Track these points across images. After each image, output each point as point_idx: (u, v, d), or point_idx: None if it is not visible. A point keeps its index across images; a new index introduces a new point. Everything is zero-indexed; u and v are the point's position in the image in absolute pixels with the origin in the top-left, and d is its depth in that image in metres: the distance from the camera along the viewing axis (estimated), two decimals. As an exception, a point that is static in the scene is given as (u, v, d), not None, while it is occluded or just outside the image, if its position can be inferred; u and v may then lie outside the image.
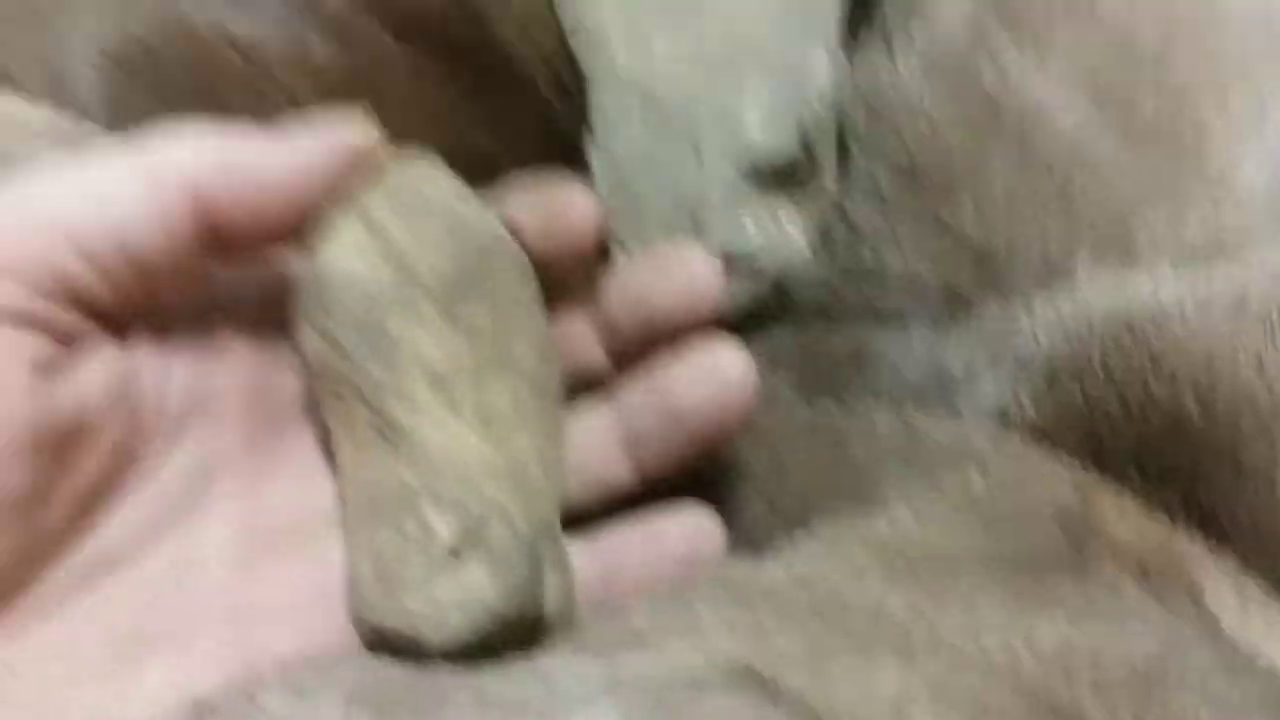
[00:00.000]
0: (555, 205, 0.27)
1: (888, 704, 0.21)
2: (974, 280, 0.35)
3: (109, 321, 0.23)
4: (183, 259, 0.23)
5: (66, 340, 0.22)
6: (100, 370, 0.23)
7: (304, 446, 0.26)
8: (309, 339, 0.25)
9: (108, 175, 0.22)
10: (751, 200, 0.36)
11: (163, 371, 0.24)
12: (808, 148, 0.35)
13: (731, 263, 0.35)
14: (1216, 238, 0.34)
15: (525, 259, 0.27)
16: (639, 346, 0.27)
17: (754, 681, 0.22)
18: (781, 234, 0.36)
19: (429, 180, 0.25)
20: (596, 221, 0.27)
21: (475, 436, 0.24)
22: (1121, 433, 0.29)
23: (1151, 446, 0.29)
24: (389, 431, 0.24)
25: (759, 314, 0.36)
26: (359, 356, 0.24)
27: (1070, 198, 0.35)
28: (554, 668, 0.23)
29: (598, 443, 0.27)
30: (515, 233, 0.27)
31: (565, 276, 0.28)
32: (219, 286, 0.25)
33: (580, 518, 0.28)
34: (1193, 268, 0.33)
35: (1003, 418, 0.31)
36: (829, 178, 0.36)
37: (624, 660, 0.23)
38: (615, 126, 0.36)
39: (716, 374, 0.26)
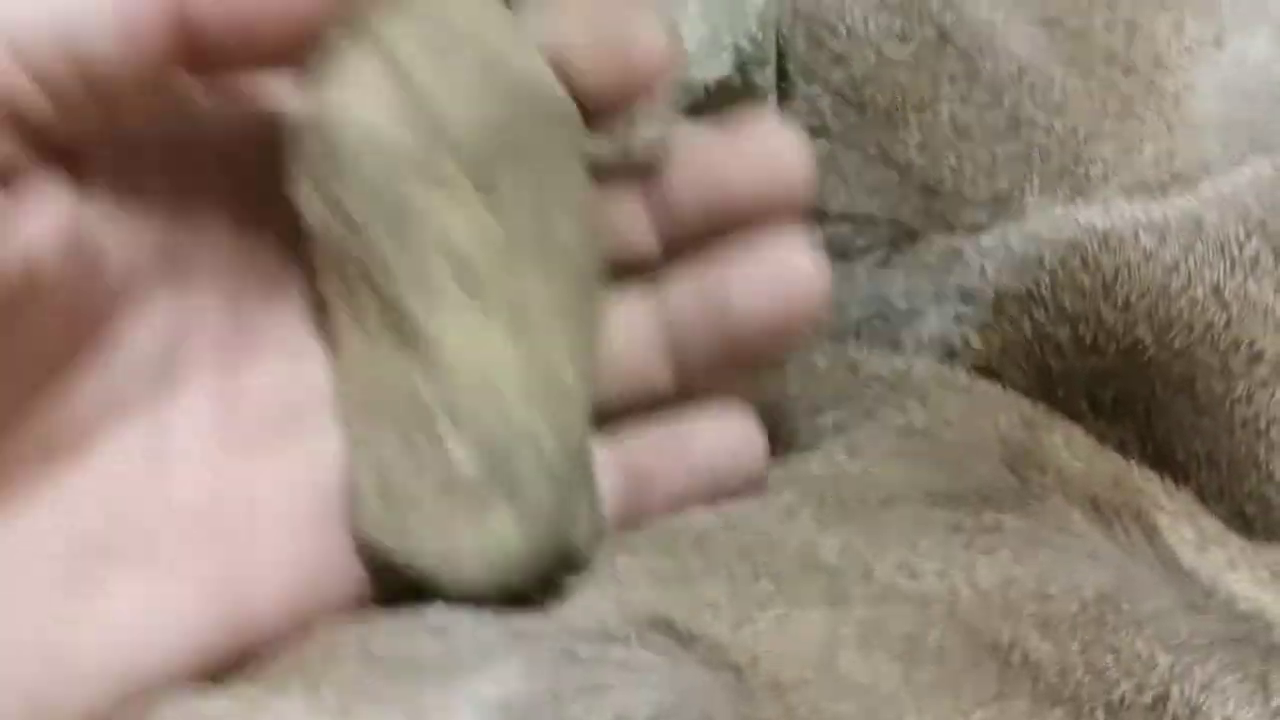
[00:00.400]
0: (613, 32, 0.21)
1: (815, 649, 0.19)
2: (919, 212, 0.33)
3: (59, 156, 0.18)
4: (151, 75, 0.18)
5: (3, 177, 0.18)
6: (49, 215, 0.18)
7: (294, 320, 0.22)
8: (310, 201, 0.20)
9: None
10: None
11: (127, 222, 0.20)
12: (745, 74, 0.33)
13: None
14: (1171, 167, 0.33)
15: (572, 109, 0.21)
16: (698, 232, 0.22)
17: (669, 633, 0.20)
18: (718, 166, 0.34)
19: (459, 3, 0.20)
20: (667, 57, 0.21)
21: (506, 340, 0.20)
22: (1072, 365, 0.27)
23: (1104, 379, 0.27)
24: (403, 327, 0.20)
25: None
26: (371, 232, 0.19)
27: (1020, 127, 0.34)
28: (452, 621, 0.21)
29: (637, 339, 0.23)
30: (560, 70, 0.21)
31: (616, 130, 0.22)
32: (198, 120, 0.21)
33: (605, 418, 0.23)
34: (1147, 197, 0.32)
35: (948, 353, 0.29)
36: (769, 109, 0.35)
37: (530, 612, 0.21)
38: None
39: (781, 274, 0.21)
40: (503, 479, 0.20)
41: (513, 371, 0.20)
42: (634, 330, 0.23)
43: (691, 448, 0.23)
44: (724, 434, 0.24)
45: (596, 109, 0.21)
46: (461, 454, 0.20)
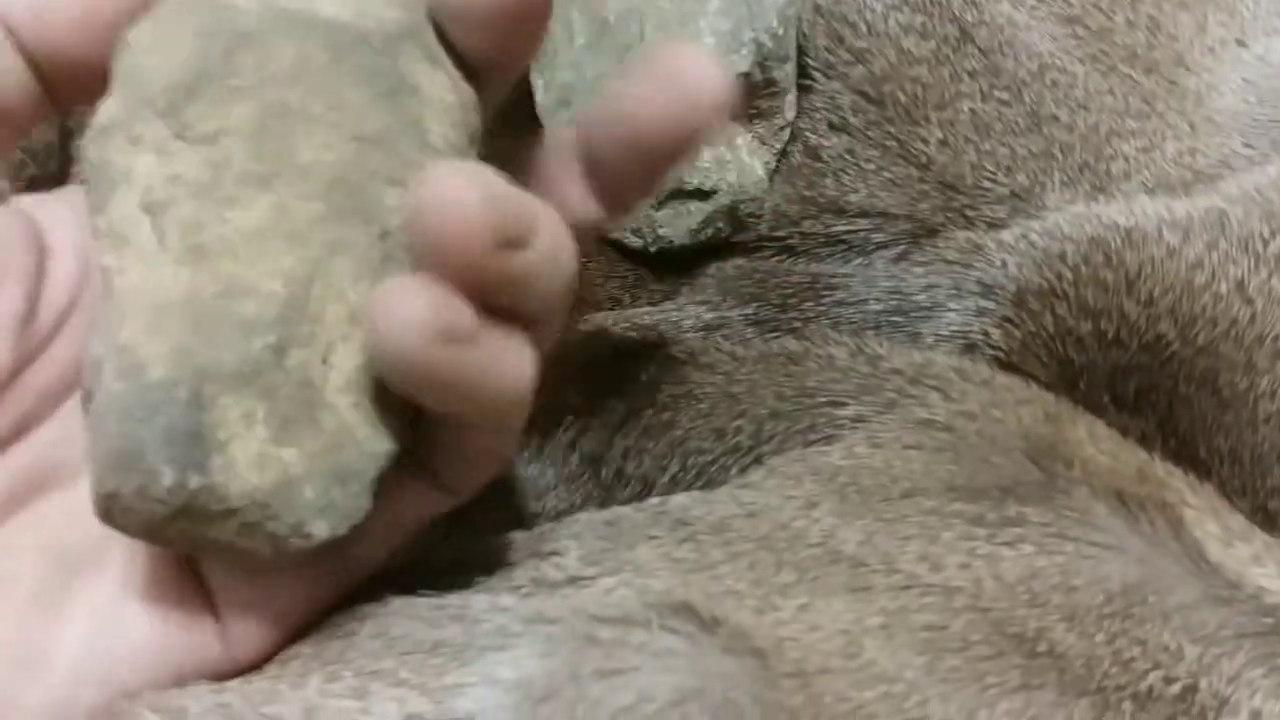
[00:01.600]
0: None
1: (839, 637, 0.19)
2: (939, 209, 0.33)
3: None
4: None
5: None
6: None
7: None
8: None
9: None
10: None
11: (75, 245, 0.21)
12: (765, 70, 0.33)
13: (684, 191, 0.34)
14: (1193, 165, 0.33)
15: (356, 32, 0.20)
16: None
17: (690, 617, 0.20)
18: (738, 161, 0.34)
19: None
20: (543, 15, 0.21)
21: (186, 270, 0.19)
22: (1095, 360, 0.27)
23: (1126, 374, 0.27)
24: (104, 280, 0.19)
25: (713, 243, 0.34)
26: (90, 204, 0.19)
27: (1041, 123, 0.33)
28: (473, 605, 0.21)
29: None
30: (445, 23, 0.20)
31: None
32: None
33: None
34: (1169, 194, 0.32)
35: (968, 348, 0.29)
36: (789, 104, 0.35)
37: (551, 598, 0.21)
38: (558, 45, 0.34)
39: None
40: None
41: (187, 302, 0.19)
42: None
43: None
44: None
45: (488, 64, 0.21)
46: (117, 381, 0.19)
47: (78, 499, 0.20)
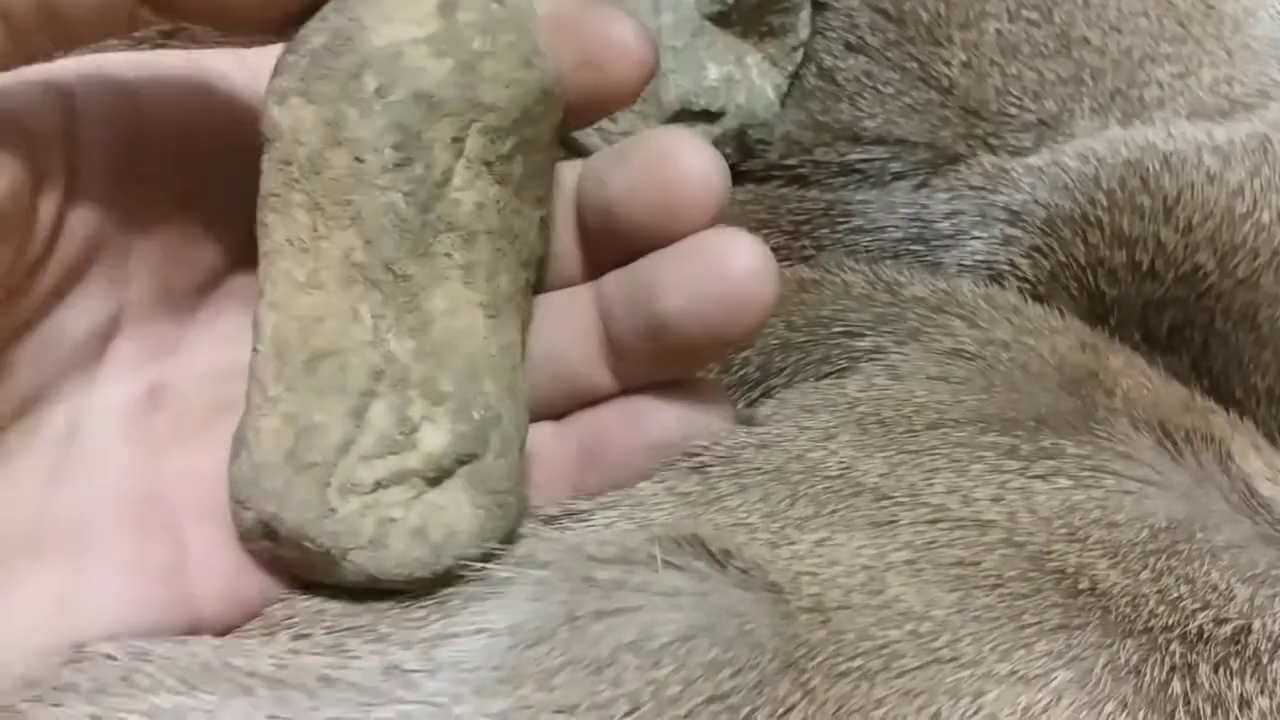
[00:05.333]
0: (594, 36, 0.19)
1: (861, 573, 0.18)
2: (960, 136, 0.31)
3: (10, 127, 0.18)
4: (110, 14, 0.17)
5: None
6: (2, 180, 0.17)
7: (229, 314, 0.21)
8: (289, 112, 0.18)
9: None
10: (714, 42, 0.32)
11: (76, 207, 0.19)
12: (779, -17, 0.31)
13: (690, 113, 0.32)
14: (1230, 93, 0.31)
15: (561, 108, 0.20)
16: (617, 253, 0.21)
17: (699, 551, 0.18)
18: (748, 82, 0.32)
19: None
20: (646, 64, 0.19)
21: (484, 318, 0.19)
22: (1128, 292, 0.26)
23: (1161, 307, 0.25)
24: (388, 285, 0.18)
25: (720, 169, 0.32)
26: (382, 175, 0.17)
27: (1071, 46, 0.32)
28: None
29: (574, 337, 0.21)
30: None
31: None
32: (147, 113, 0.20)
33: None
34: (1204, 123, 0.30)
35: (993, 277, 0.27)
36: (803, 21, 0.33)
37: (551, 537, 0.19)
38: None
39: (712, 272, 0.19)
40: (469, 458, 0.19)
41: (488, 356, 0.19)
42: (571, 329, 0.21)
43: (649, 422, 0.21)
44: (686, 409, 0.21)
45: (576, 113, 0.20)
46: (433, 430, 0.18)
47: (15, 469, 0.19)
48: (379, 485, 0.18)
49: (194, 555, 0.19)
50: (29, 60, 0.17)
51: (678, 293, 0.19)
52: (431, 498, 0.18)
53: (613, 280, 0.20)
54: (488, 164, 0.18)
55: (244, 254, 0.21)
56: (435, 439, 0.18)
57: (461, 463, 0.18)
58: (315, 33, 0.18)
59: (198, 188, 0.20)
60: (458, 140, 0.18)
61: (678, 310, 0.19)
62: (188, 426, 0.20)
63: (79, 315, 0.19)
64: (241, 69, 0.21)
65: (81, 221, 0.19)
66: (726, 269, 0.19)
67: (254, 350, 0.18)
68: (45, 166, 0.18)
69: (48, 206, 0.18)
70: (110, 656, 0.17)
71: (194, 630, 0.18)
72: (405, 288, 0.18)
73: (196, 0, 0.17)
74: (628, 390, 0.21)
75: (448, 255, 0.18)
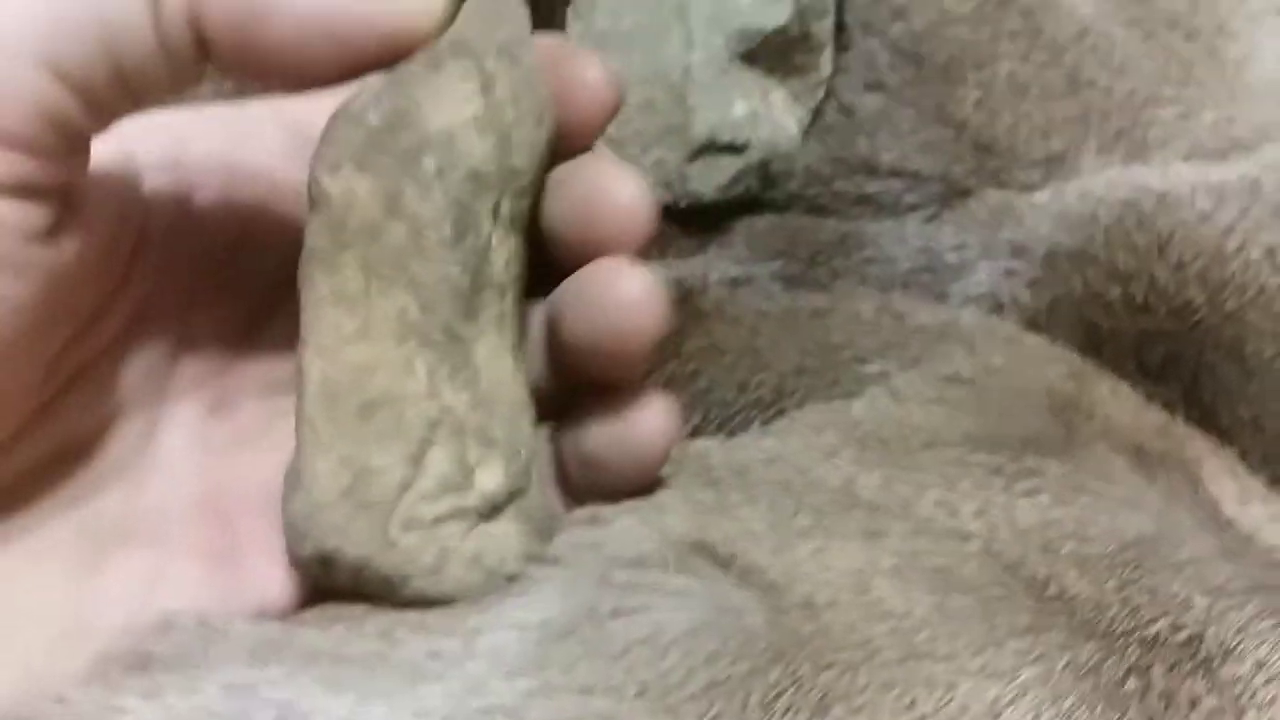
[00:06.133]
0: (566, 78, 0.21)
1: (851, 576, 0.19)
2: (972, 171, 0.33)
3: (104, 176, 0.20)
4: (183, 75, 0.19)
5: (54, 187, 0.19)
6: (96, 229, 0.20)
7: (280, 336, 0.23)
8: (341, 183, 0.19)
9: None
10: (741, 79, 0.34)
11: (141, 240, 0.21)
12: (803, 23, 0.33)
13: (717, 145, 0.34)
14: (1230, 133, 0.33)
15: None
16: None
17: (707, 556, 0.20)
18: (771, 117, 0.34)
19: (512, 21, 0.20)
20: (612, 105, 0.21)
21: (513, 360, 0.20)
22: (1122, 324, 0.27)
23: (1153, 339, 0.27)
24: (443, 345, 0.19)
25: (743, 199, 0.34)
26: (438, 246, 0.19)
27: (1079, 87, 0.33)
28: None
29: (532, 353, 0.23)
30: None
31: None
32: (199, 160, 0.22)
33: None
34: (1205, 162, 0.31)
35: (996, 307, 0.29)
36: (825, 60, 0.34)
37: (569, 540, 0.21)
38: (598, -6, 0.34)
39: (607, 306, 0.20)
40: (517, 493, 0.20)
41: (520, 396, 0.21)
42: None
43: (634, 435, 0.22)
44: (659, 420, 0.22)
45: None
46: (488, 474, 0.20)
47: (102, 471, 0.21)
48: (438, 520, 0.19)
49: (246, 547, 0.21)
50: (102, 126, 0.19)
51: (573, 321, 0.21)
52: (486, 529, 0.20)
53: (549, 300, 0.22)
54: (512, 221, 0.20)
55: (289, 282, 0.23)
56: (490, 480, 0.20)
57: (512, 498, 0.20)
58: (369, 109, 0.19)
59: (246, 226, 0.23)
60: (496, 207, 0.20)
61: (573, 338, 0.21)
62: (245, 434, 0.23)
63: (150, 342, 0.22)
64: (279, 114, 0.23)
65: (149, 262, 0.21)
66: (615, 299, 0.20)
67: (301, 393, 0.20)
68: (128, 214, 0.21)
69: (124, 248, 0.21)
70: (189, 630, 0.19)
71: (259, 610, 0.21)
72: (459, 346, 0.19)
73: (266, 60, 0.19)
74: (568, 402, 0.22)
75: (487, 310, 0.20)
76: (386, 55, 0.19)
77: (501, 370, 0.20)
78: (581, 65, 0.21)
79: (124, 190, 0.21)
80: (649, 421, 0.21)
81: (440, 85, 0.19)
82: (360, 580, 0.20)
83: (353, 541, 0.19)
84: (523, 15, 0.20)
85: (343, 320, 0.19)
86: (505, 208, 0.20)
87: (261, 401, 0.23)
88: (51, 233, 0.18)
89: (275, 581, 0.21)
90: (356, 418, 0.19)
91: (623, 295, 0.20)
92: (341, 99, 0.20)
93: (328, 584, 0.20)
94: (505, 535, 0.20)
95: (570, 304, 0.21)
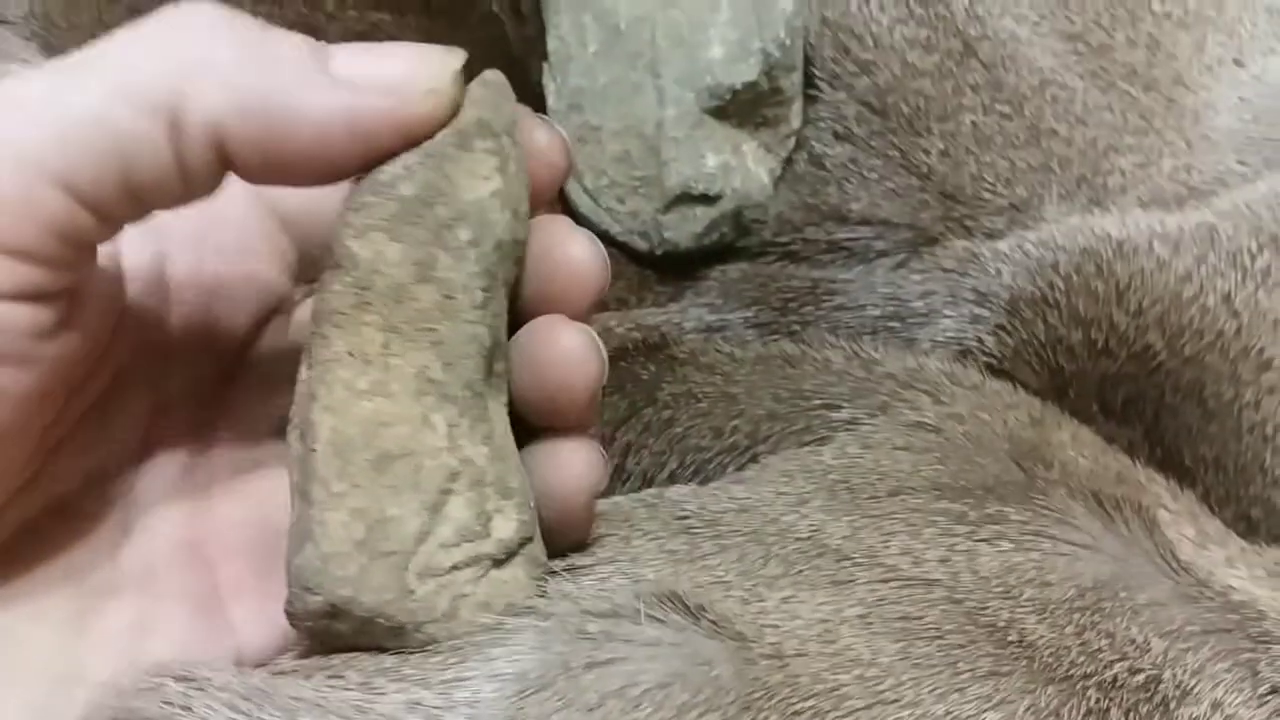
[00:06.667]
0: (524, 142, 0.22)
1: (818, 625, 0.20)
2: (939, 219, 0.34)
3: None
4: (198, 188, 0.20)
5: (66, 293, 0.19)
6: (93, 318, 0.21)
7: (250, 390, 0.24)
8: (369, 248, 0.20)
9: (98, 103, 0.18)
10: (713, 132, 0.34)
11: (123, 313, 0.22)
12: (772, 79, 0.34)
13: (690, 196, 0.34)
14: (1188, 181, 0.33)
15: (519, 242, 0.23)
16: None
17: (677, 606, 0.21)
18: (743, 168, 0.35)
19: (507, 101, 0.22)
20: (565, 165, 0.22)
21: (506, 413, 0.22)
22: (1084, 368, 0.28)
23: (1115, 382, 0.28)
24: (464, 401, 0.20)
25: (717, 248, 0.35)
26: (469, 309, 0.20)
27: (1040, 137, 0.34)
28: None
29: None
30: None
31: None
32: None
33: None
34: (1163, 209, 0.32)
35: (962, 353, 0.30)
36: (795, 113, 0.35)
37: (554, 592, 0.22)
38: (571, 50, 0.35)
39: (553, 360, 0.22)
40: (528, 540, 0.21)
41: (514, 446, 0.22)
42: None
43: (558, 480, 0.23)
44: (579, 468, 0.23)
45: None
46: (504, 522, 0.21)
47: (88, 527, 0.22)
48: (455, 568, 0.20)
49: (227, 590, 0.22)
50: (113, 234, 0.20)
51: (518, 370, 0.22)
52: (496, 574, 0.21)
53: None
54: (506, 283, 0.21)
55: (258, 338, 0.24)
56: (506, 528, 0.21)
57: (523, 545, 0.21)
58: (401, 180, 0.20)
59: (217, 288, 0.23)
60: (507, 272, 0.21)
61: (517, 386, 0.22)
62: (222, 483, 0.24)
63: (130, 403, 0.23)
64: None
65: (129, 330, 0.22)
66: (554, 352, 0.21)
67: (310, 449, 0.20)
68: (116, 293, 0.22)
69: (110, 324, 0.22)
70: (177, 682, 0.19)
71: (238, 655, 0.22)
72: (479, 401, 0.21)
73: (291, 167, 0.19)
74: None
75: (498, 365, 0.21)
76: (402, 144, 0.20)
77: (504, 422, 0.21)
78: (538, 133, 0.22)
79: (112, 270, 0.22)
80: (572, 468, 0.22)
81: (471, 163, 0.20)
82: (367, 630, 0.20)
83: (368, 590, 0.20)
84: (512, 95, 0.22)
85: (356, 378, 0.20)
86: (506, 272, 0.21)
87: (237, 450, 0.24)
88: (57, 328, 0.19)
89: (256, 625, 0.22)
90: (371, 470, 0.20)
91: (562, 350, 0.21)
92: None
93: (326, 637, 0.21)
94: (514, 580, 0.21)
95: (516, 355, 0.22)
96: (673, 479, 0.29)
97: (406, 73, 0.20)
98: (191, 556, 0.23)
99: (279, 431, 0.22)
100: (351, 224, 0.20)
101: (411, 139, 0.20)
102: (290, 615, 0.21)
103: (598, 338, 0.21)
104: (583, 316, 0.22)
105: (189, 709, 0.19)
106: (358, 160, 0.20)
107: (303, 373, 0.21)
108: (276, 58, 0.19)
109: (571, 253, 0.22)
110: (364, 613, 0.20)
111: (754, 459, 0.28)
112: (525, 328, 0.22)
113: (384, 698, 0.20)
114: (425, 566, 0.20)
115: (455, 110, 0.20)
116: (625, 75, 0.34)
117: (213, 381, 0.24)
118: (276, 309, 0.24)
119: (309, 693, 0.20)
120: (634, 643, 0.20)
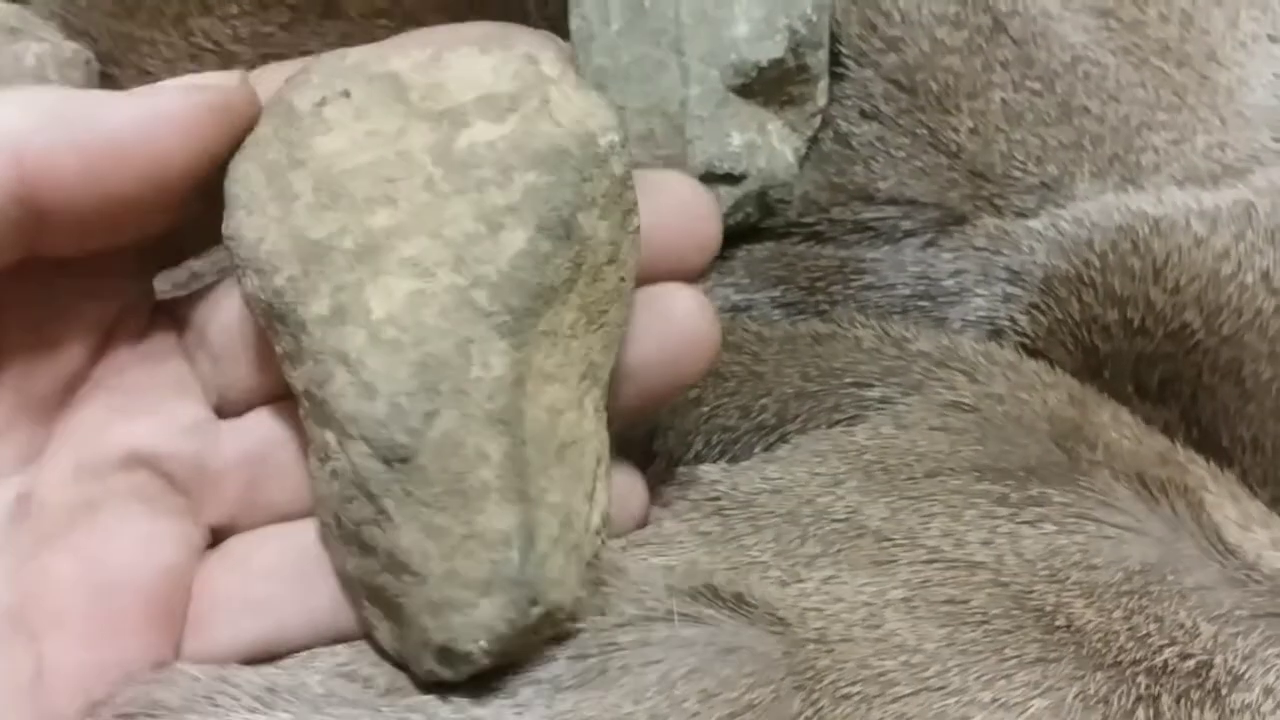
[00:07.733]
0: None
1: (862, 609, 0.20)
2: (968, 197, 0.33)
3: None
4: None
5: None
6: None
7: (89, 410, 0.22)
8: (596, 235, 0.21)
9: None
10: (738, 111, 0.34)
11: None
12: (798, 56, 0.34)
13: (715, 175, 0.34)
14: (1222, 158, 0.33)
15: None
16: None
17: (712, 599, 0.20)
18: (768, 147, 0.34)
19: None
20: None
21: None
22: (1120, 347, 0.27)
23: (1151, 362, 0.27)
24: (604, 383, 0.21)
25: (742, 228, 0.34)
26: (629, 294, 0.22)
27: (1071, 114, 0.34)
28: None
29: None
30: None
31: None
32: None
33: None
34: (1197, 187, 0.32)
35: (994, 333, 0.29)
36: (821, 91, 0.35)
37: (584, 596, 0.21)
38: (594, 29, 0.34)
39: (669, 325, 0.22)
40: (606, 518, 0.22)
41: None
42: None
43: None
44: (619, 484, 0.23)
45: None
46: (608, 503, 0.21)
47: (6, 564, 0.20)
48: (597, 556, 0.20)
49: (49, 664, 0.20)
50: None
51: (635, 336, 0.22)
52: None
53: None
54: None
55: (102, 353, 0.22)
56: (608, 504, 0.21)
57: (605, 522, 0.21)
58: (612, 156, 0.21)
59: (47, 296, 0.21)
60: None
61: (641, 357, 0.22)
62: (48, 533, 0.20)
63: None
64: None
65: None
66: (681, 321, 0.22)
67: (521, 443, 0.19)
68: None
69: None
70: (196, 676, 0.19)
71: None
72: (608, 384, 0.21)
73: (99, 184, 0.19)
74: None
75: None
76: (226, 130, 0.19)
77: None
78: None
79: None
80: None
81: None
82: (544, 633, 0.19)
83: (567, 591, 0.19)
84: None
85: (545, 360, 0.19)
86: None
87: (70, 491, 0.21)
88: None
89: (71, 703, 0.20)
90: (556, 461, 0.19)
91: (681, 316, 0.22)
92: None
93: (500, 659, 0.19)
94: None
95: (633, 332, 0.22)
96: (699, 459, 0.29)
97: (194, 78, 0.20)
98: (9, 624, 0.20)
99: (127, 462, 0.20)
100: (583, 195, 0.20)
101: (233, 118, 0.19)
102: (489, 647, 0.19)
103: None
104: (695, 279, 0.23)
105: (213, 700, 0.18)
106: (184, 160, 0.19)
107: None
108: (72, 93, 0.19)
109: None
110: (564, 616, 0.19)
111: (783, 438, 0.28)
112: (637, 295, 0.22)
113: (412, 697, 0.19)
114: (594, 556, 0.20)
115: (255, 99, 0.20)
116: (649, 53, 0.34)
117: (49, 400, 0.21)
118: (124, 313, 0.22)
119: (329, 689, 0.19)
120: (668, 645, 0.19)
